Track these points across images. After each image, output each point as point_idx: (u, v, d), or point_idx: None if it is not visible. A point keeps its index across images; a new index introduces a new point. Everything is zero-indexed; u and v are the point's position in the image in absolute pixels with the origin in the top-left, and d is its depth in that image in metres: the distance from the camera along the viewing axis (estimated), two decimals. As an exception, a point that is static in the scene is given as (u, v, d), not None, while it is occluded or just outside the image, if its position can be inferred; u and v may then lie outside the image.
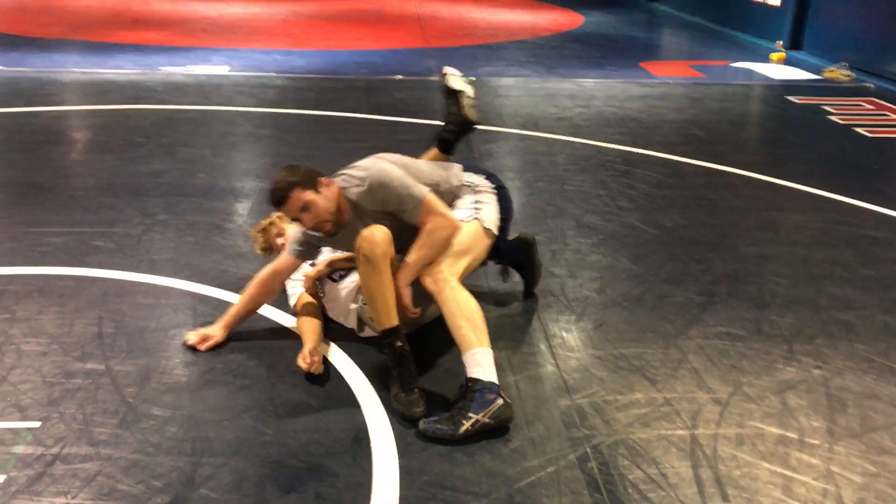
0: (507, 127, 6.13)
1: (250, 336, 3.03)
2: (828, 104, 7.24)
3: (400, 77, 7.81)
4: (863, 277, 3.70)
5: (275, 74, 7.79)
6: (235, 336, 3.02)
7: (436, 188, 2.90)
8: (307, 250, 2.95)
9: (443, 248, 2.75)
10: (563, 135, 6.00)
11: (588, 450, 2.44)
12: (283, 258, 2.97)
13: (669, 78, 8.32)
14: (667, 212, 4.47)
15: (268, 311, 3.20)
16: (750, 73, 8.84)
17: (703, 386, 2.79)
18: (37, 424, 2.48)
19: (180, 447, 2.40)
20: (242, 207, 4.40)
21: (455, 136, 3.33)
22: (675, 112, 6.82)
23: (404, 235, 2.76)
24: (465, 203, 3.00)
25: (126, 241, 3.85)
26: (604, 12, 13.63)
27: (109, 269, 3.54)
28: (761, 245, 4.04)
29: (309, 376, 2.76)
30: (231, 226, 4.11)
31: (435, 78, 7.81)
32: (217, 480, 2.27)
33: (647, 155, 5.55)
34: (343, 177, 2.82)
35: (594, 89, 7.64)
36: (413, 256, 2.72)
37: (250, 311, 3.03)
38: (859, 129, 6.39)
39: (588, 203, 4.57)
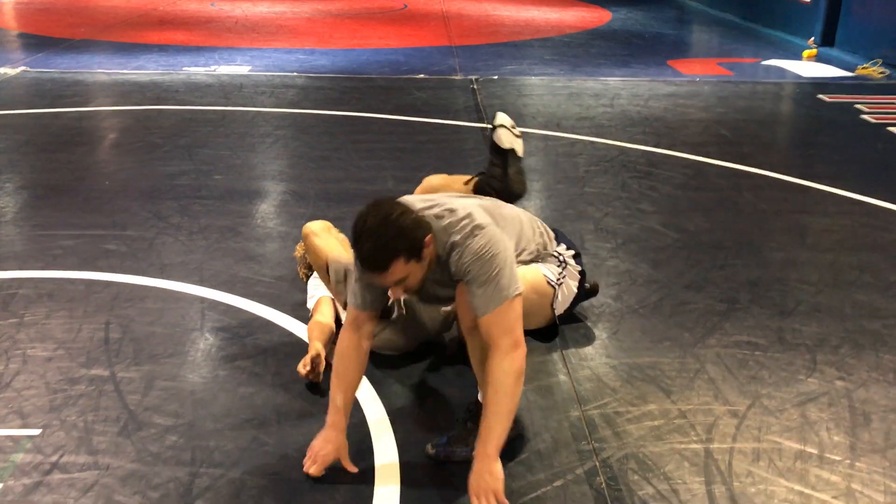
0: (528, 127, 6.04)
1: (257, 343, 2.98)
2: (861, 102, 7.04)
3: (422, 76, 7.75)
4: (892, 284, 3.57)
5: (296, 74, 7.77)
6: (242, 343, 2.97)
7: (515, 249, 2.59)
8: (379, 296, 2.36)
9: (518, 393, 2.17)
10: (586, 135, 5.89)
11: (597, 463, 2.36)
12: (357, 316, 2.35)
13: (697, 76, 8.16)
14: (690, 215, 4.36)
15: (277, 318, 3.16)
16: (780, 70, 8.65)
17: (719, 397, 2.69)
18: (37, 432, 2.45)
19: (179, 457, 2.36)
20: (258, 210, 4.36)
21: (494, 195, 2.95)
22: (702, 111, 6.68)
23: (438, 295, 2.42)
24: (551, 269, 2.85)
25: (138, 244, 3.83)
26: (631, 9, 13.45)
27: (120, 274, 3.52)
28: (787, 249, 3.91)
29: (314, 386, 2.70)
30: (244, 229, 4.07)
31: (457, 77, 7.74)
32: (215, 492, 2.22)
33: (672, 156, 5.43)
34: (444, 225, 2.27)
35: (619, 88, 7.51)
36: (487, 424, 2.12)
37: (355, 390, 2.40)
38: (893, 129, 6.21)
39: (608, 206, 4.47)
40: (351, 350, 2.33)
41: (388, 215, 2.12)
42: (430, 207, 2.31)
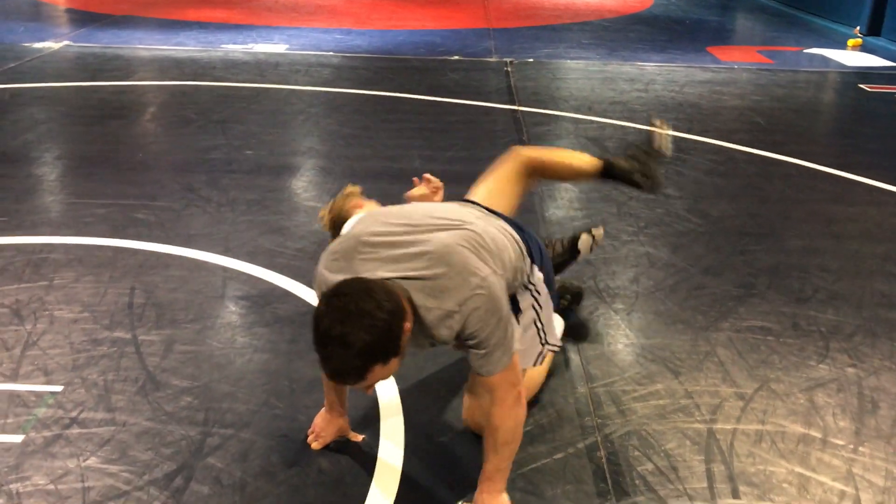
0: (559, 110, 6.03)
1: (275, 312, 3.06)
2: (902, 93, 6.91)
3: (456, 57, 7.76)
4: (915, 274, 3.53)
5: (332, 54, 7.83)
6: (260, 311, 3.05)
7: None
8: None
9: (517, 442, 2.09)
10: (617, 119, 5.87)
11: (599, 439, 2.39)
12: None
13: (735, 63, 8.05)
14: (715, 201, 4.34)
15: (297, 289, 3.23)
16: (822, 59, 8.50)
17: (727, 380, 2.70)
18: (59, 388, 2.55)
19: (193, 417, 2.44)
20: (285, 184, 4.44)
21: (629, 184, 2.92)
22: (737, 98, 6.60)
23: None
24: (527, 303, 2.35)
25: (167, 214, 3.93)
26: (674, -5, 13.29)
27: (147, 242, 3.61)
28: (810, 238, 3.88)
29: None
30: (271, 203, 4.15)
31: (492, 59, 7.74)
32: (224, 450, 2.30)
33: (702, 142, 5.39)
34: (432, 287, 1.89)
35: (655, 73, 7.45)
36: (495, 466, 2.07)
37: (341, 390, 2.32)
38: (933, 120, 6.09)
39: (633, 190, 4.45)
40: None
41: (356, 313, 1.74)
42: (409, 259, 1.92)
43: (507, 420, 2.00)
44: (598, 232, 3.04)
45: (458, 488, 2.18)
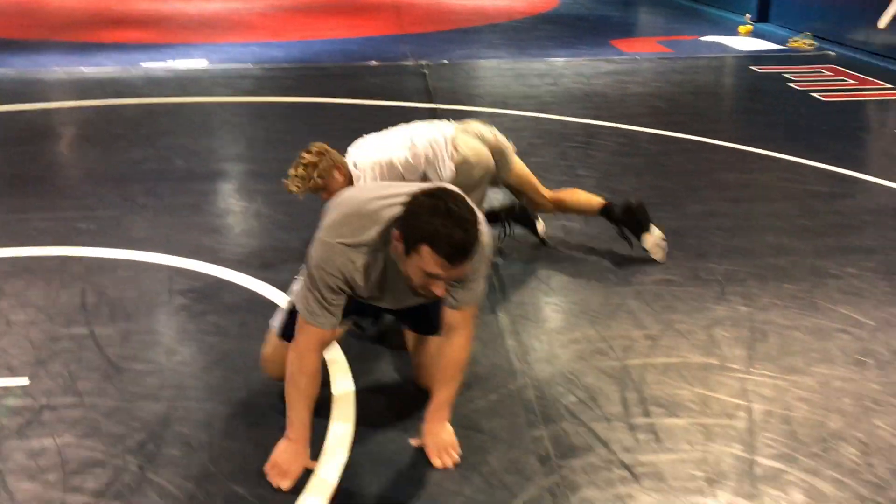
0: (476, 106, 6.36)
1: (222, 301, 3.27)
2: (789, 72, 7.47)
3: (374, 63, 8.04)
4: (800, 227, 3.95)
5: (252, 66, 8.01)
6: (209, 301, 3.26)
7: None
8: (338, 313, 2.24)
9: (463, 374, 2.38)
10: (531, 111, 6.23)
11: (528, 381, 2.69)
12: (324, 336, 2.26)
13: (637, 54, 8.54)
14: (622, 177, 4.71)
15: (241, 279, 3.44)
16: (717, 45, 9.07)
17: (637, 325, 3.04)
18: (26, 381, 2.72)
19: (157, 394, 2.65)
20: (218, 188, 4.64)
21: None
22: (640, 86, 7.05)
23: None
24: None
25: (107, 223, 4.09)
26: (579, -6, 13.84)
27: (92, 248, 3.77)
28: (707, 203, 4.28)
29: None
30: (207, 206, 4.35)
31: (409, 62, 8.03)
32: (190, 420, 2.51)
33: (609, 126, 5.79)
34: None
35: (563, 67, 7.87)
36: (446, 395, 2.33)
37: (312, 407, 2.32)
38: (816, 95, 6.63)
39: (548, 172, 4.79)
40: (318, 370, 2.28)
41: (466, 204, 2.04)
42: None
43: (466, 351, 2.31)
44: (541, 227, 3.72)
45: (411, 429, 2.44)
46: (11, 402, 2.61)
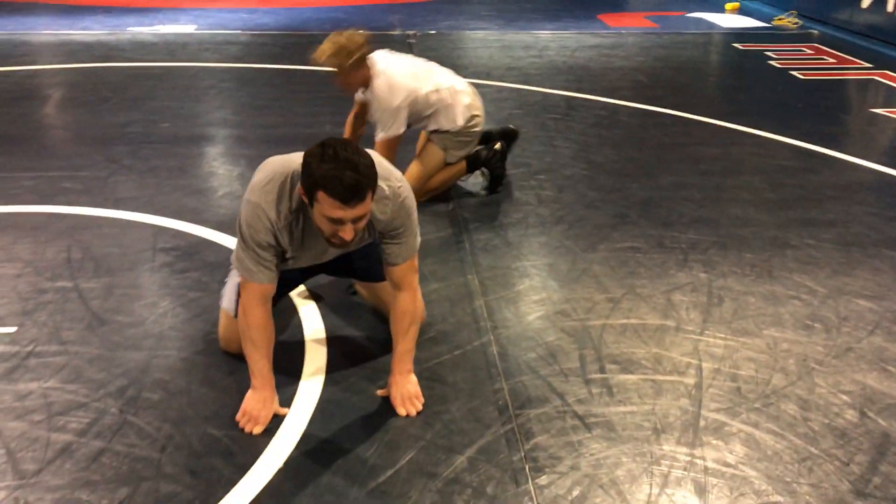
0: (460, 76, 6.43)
1: (203, 259, 3.39)
2: (770, 50, 7.58)
3: (361, 31, 8.07)
4: (765, 200, 4.08)
5: (240, 32, 8.06)
6: (190, 259, 3.38)
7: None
8: (272, 267, 2.39)
9: (419, 323, 2.58)
10: (513, 83, 6.33)
11: (492, 337, 2.83)
12: (265, 290, 2.39)
13: (623, 28, 8.63)
14: (598, 149, 4.83)
15: (222, 239, 3.56)
16: (702, 22, 9.16)
17: (600, 288, 3.18)
18: (13, 329, 2.84)
19: (138, 344, 2.77)
20: (203, 151, 4.74)
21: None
22: (623, 60, 7.15)
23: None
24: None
25: (93, 182, 4.19)
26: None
27: (77, 206, 3.88)
28: (679, 175, 4.41)
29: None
30: (191, 168, 4.45)
31: (396, 32, 8.09)
32: (170, 368, 2.64)
33: (589, 99, 5.90)
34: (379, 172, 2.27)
35: (549, 40, 7.95)
36: (406, 347, 2.49)
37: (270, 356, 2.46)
38: (794, 73, 6.75)
39: (527, 142, 4.92)
40: (266, 321, 2.40)
41: (355, 148, 2.14)
42: None
43: (413, 303, 2.47)
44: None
45: (377, 379, 2.58)
46: (-1, 348, 2.74)
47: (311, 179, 2.12)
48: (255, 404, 2.39)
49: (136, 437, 2.33)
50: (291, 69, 6.64)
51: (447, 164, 3.96)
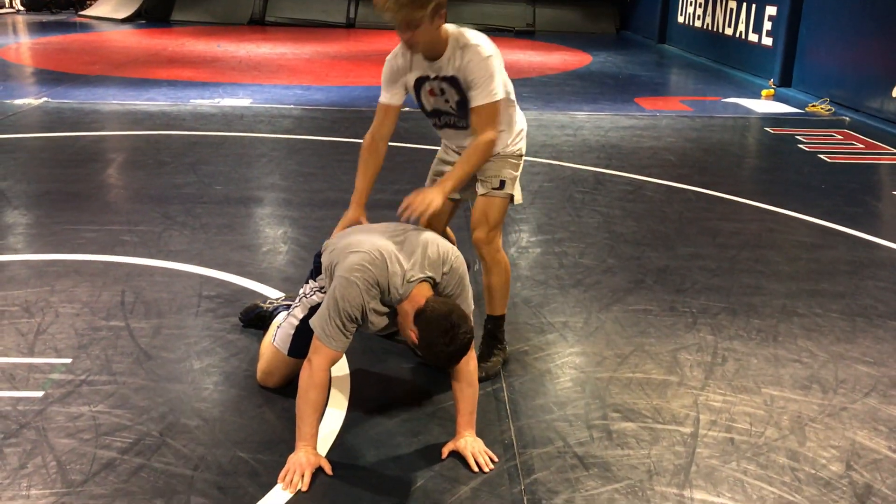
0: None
1: (245, 306, 3.67)
2: (801, 135, 7.81)
3: (407, 109, 8.51)
4: (779, 272, 4.26)
5: (293, 106, 8.56)
6: (232, 305, 3.67)
7: None
8: (350, 338, 2.61)
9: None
10: (546, 159, 6.64)
11: (503, 384, 3.04)
12: (335, 357, 2.59)
13: (658, 111, 8.94)
14: (621, 220, 5.07)
15: (263, 289, 3.85)
16: (737, 107, 9.44)
17: (610, 345, 3.38)
18: (69, 360, 3.14)
19: (180, 377, 3.04)
20: (251, 212, 5.09)
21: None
22: (654, 140, 7.43)
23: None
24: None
25: (148, 236, 4.55)
26: (612, 52, 14.35)
27: (133, 257, 4.22)
28: (697, 246, 4.62)
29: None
30: (239, 226, 4.79)
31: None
32: (206, 398, 2.90)
33: (617, 175, 6.17)
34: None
35: (584, 121, 8.29)
36: (469, 409, 2.66)
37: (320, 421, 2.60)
38: (822, 156, 6.95)
39: (553, 213, 5.19)
40: (327, 384, 2.58)
41: (467, 328, 2.47)
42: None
43: (468, 366, 2.63)
44: None
45: (397, 415, 2.80)
46: (56, 376, 3.03)
47: (423, 339, 2.46)
48: (301, 461, 2.48)
49: (172, 457, 2.57)
50: (338, 140, 7.05)
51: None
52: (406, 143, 6.98)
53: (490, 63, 2.87)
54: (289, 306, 3.23)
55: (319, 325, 2.58)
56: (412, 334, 2.51)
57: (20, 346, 3.24)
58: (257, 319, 3.42)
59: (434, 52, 2.90)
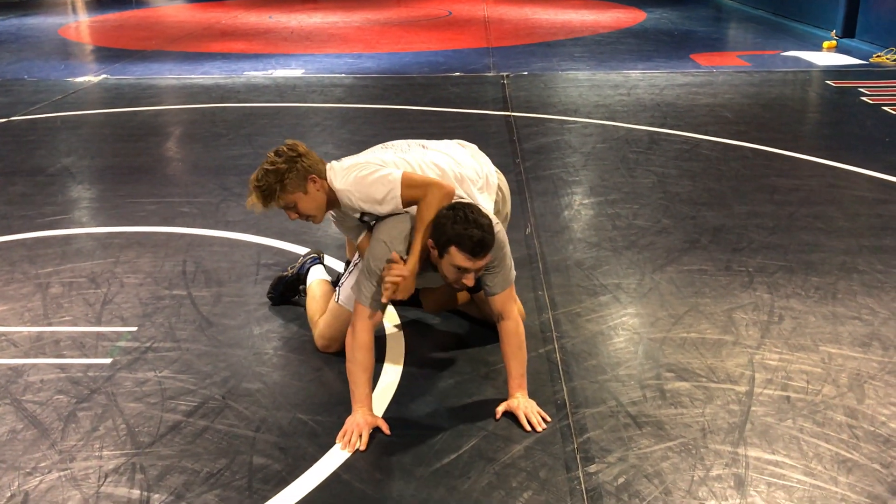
0: (547, 114, 6.73)
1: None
2: (864, 87, 7.55)
3: (458, 74, 8.50)
4: (838, 228, 4.17)
5: (344, 75, 8.60)
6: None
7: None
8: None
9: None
10: (599, 119, 6.56)
11: (556, 346, 3.06)
12: (375, 315, 2.67)
13: (714, 67, 8.73)
14: (677, 179, 5.00)
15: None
16: (797, 60, 9.16)
17: (664, 305, 3.36)
18: (134, 329, 3.26)
19: (241, 343, 3.14)
20: (305, 182, 5.16)
21: None
22: (710, 97, 7.28)
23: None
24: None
25: (207, 207, 4.65)
26: (667, 9, 14.01)
27: (193, 228, 4.33)
28: (754, 204, 4.53)
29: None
30: (294, 195, 4.86)
31: (490, 74, 8.47)
32: (267, 363, 2.99)
33: (673, 134, 6.07)
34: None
35: (638, 79, 8.15)
36: (519, 371, 2.70)
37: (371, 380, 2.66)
38: (887, 108, 6.72)
39: (607, 174, 5.15)
40: (372, 344, 2.64)
41: (479, 210, 2.60)
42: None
43: (518, 326, 2.72)
44: None
45: (451, 370, 2.84)
46: (123, 344, 3.15)
47: (444, 237, 2.56)
48: (357, 421, 2.56)
49: (234, 419, 2.66)
50: (390, 108, 7.07)
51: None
52: (456, 107, 6.97)
53: (373, 189, 2.75)
54: (314, 259, 3.45)
55: (357, 289, 2.68)
56: (441, 263, 2.60)
57: (88, 316, 3.37)
58: (287, 290, 3.45)
59: (334, 206, 2.92)
